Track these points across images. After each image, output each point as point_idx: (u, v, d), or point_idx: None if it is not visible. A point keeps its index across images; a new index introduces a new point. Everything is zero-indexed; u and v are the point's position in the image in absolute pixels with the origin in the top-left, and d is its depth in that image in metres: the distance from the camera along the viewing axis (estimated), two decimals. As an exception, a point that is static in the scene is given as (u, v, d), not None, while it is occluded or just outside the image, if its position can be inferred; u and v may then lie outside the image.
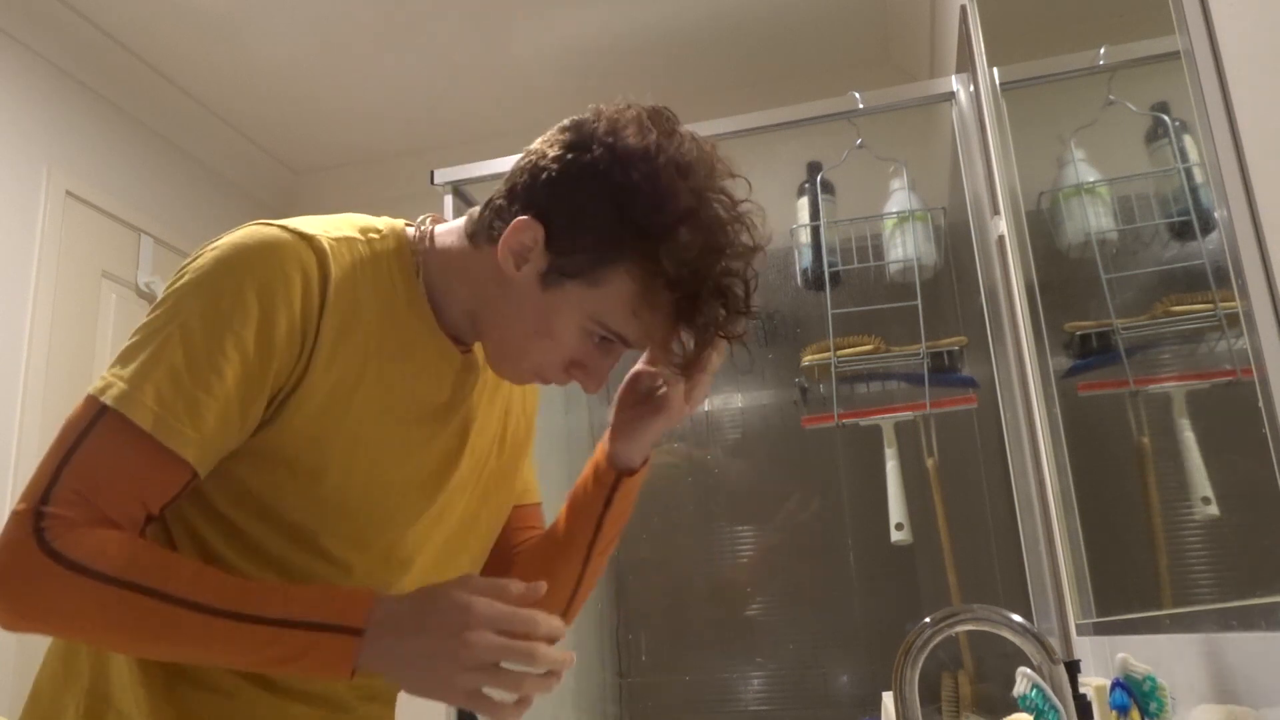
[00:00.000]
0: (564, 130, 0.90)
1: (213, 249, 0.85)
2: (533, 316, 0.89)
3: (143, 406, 0.79)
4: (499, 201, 0.91)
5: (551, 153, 0.88)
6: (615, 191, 0.85)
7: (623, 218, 0.85)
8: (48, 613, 0.77)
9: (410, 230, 0.95)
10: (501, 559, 1.08)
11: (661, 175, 0.85)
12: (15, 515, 0.77)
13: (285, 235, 0.85)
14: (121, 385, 0.80)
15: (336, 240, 0.88)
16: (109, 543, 0.77)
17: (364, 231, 0.92)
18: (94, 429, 0.80)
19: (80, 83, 2.68)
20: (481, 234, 0.92)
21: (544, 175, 0.88)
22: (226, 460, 0.85)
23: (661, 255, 0.84)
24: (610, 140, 0.87)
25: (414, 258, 0.93)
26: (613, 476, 1.01)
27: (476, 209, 0.94)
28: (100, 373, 0.84)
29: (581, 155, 0.87)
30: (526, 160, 0.90)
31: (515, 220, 0.88)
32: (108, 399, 0.80)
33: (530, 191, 0.89)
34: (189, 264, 0.86)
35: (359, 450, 0.87)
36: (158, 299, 0.86)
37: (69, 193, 2.60)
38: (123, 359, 0.82)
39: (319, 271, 0.85)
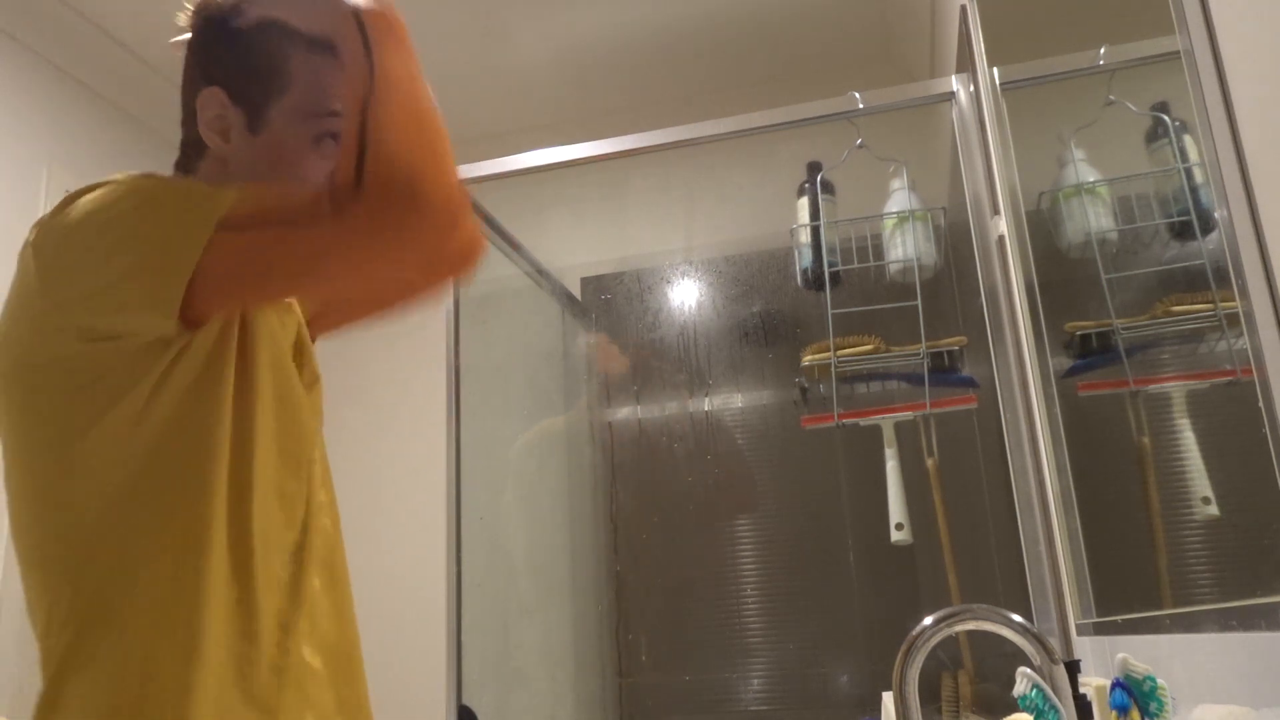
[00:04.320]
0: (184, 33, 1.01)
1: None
2: (269, 164, 0.96)
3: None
4: (184, 127, 1.01)
5: (188, 48, 1.00)
6: (231, 14, 0.97)
7: (259, 28, 0.96)
8: None
9: None
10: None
11: None
12: None
13: None
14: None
15: None
16: None
17: None
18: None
19: (80, 82, 2.68)
20: (185, 161, 1.01)
21: (191, 65, 0.99)
22: None
23: (293, 24, 0.96)
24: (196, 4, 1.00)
25: None
26: None
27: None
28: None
29: (199, 26, 0.99)
30: (182, 82, 1.01)
31: (196, 103, 0.97)
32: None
33: (188, 87, 0.99)
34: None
35: None
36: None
37: (69, 192, 2.60)
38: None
39: None
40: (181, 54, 1.01)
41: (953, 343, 2.12)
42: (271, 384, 0.93)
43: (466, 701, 1.96)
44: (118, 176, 0.89)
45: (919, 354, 2.09)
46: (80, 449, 0.84)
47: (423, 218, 0.82)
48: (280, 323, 0.98)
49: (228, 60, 0.97)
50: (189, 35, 1.00)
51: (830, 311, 2.12)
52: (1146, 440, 0.99)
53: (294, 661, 0.91)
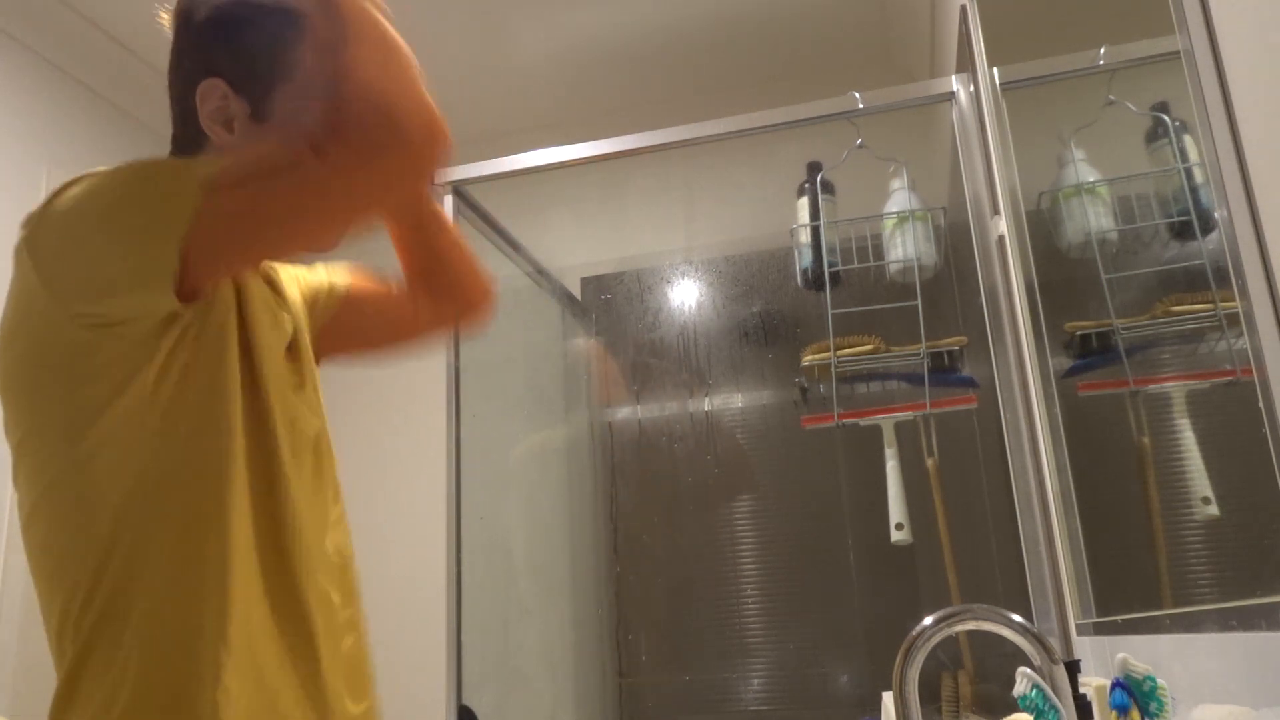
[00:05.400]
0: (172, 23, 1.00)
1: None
2: None
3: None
4: (177, 122, 1.01)
5: (176, 43, 1.00)
6: (230, 5, 0.96)
7: (262, 11, 0.95)
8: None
9: None
10: (379, 317, 1.16)
11: None
12: None
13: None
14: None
15: None
16: None
17: None
18: None
19: (80, 82, 2.68)
20: (184, 152, 0.99)
21: (182, 59, 0.99)
22: None
23: (288, 5, 0.95)
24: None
25: None
26: None
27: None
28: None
29: (188, 20, 0.99)
30: (169, 78, 1.01)
31: (194, 97, 0.96)
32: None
33: (181, 82, 0.99)
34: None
35: None
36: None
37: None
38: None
39: None
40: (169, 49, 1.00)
41: (953, 343, 2.12)
42: (273, 375, 0.93)
43: (466, 701, 1.96)
44: (102, 168, 0.90)
45: (919, 354, 2.09)
46: (90, 441, 0.84)
47: (402, 141, 0.83)
48: (273, 321, 0.98)
49: (227, 50, 0.96)
50: (177, 28, 0.99)
51: (830, 311, 2.12)
52: (1146, 440, 0.99)
53: (325, 654, 0.91)
